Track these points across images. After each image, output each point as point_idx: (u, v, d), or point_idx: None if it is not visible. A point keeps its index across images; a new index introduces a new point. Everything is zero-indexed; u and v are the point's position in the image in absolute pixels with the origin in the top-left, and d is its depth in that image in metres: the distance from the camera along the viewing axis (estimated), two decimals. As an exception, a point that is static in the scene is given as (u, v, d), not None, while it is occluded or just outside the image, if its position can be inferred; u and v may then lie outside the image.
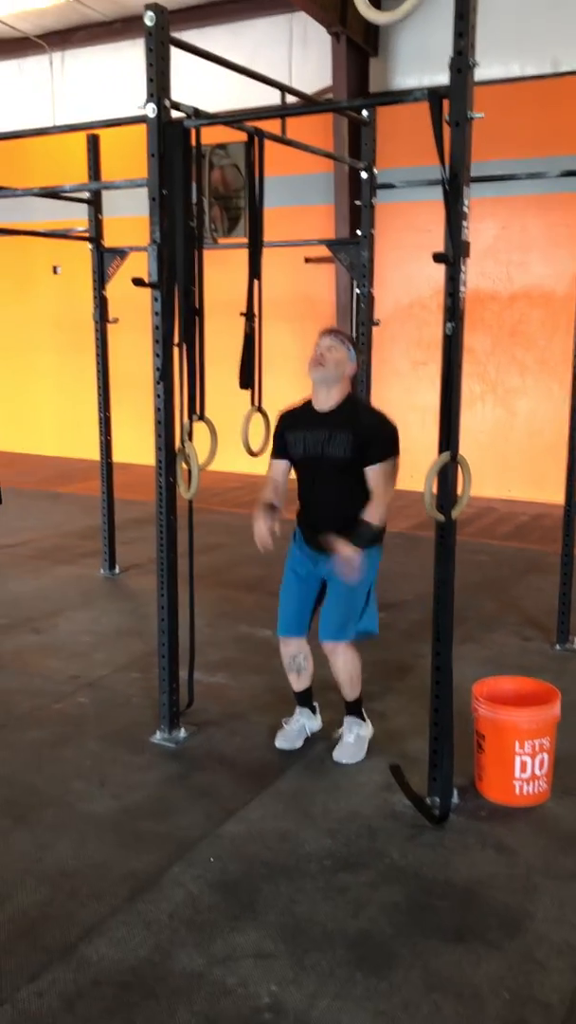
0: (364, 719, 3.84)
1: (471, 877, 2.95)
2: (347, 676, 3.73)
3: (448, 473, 3.20)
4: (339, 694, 3.78)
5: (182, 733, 3.91)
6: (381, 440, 3.54)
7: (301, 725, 3.89)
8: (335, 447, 3.52)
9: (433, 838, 3.16)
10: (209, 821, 3.26)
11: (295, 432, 3.66)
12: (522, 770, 3.35)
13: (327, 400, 3.59)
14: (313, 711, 3.95)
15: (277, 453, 3.76)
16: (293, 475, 3.75)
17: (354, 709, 3.81)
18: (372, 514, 3.50)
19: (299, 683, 3.87)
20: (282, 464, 3.74)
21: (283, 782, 3.53)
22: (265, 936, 2.66)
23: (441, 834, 3.19)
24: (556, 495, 8.51)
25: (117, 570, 6.38)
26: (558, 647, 4.97)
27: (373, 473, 3.50)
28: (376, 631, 3.81)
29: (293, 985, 2.46)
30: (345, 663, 3.70)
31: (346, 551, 3.41)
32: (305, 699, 3.91)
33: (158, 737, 3.89)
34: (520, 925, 2.72)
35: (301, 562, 3.74)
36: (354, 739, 3.76)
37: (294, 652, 3.79)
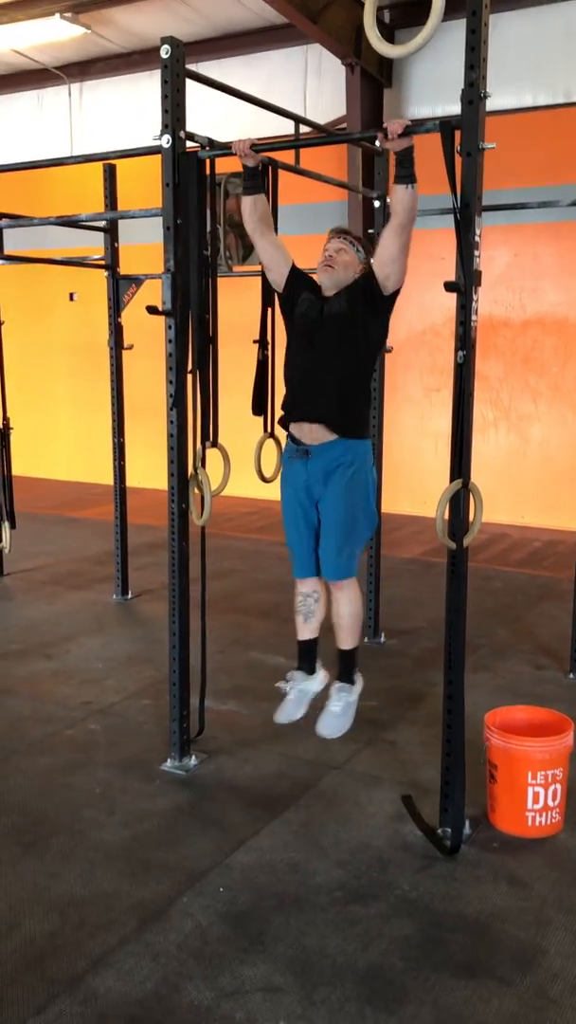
0: (355, 680, 3.65)
1: (483, 910, 2.91)
2: (352, 618, 3.59)
3: (460, 500, 3.19)
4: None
5: (192, 761, 3.89)
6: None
7: (298, 692, 3.70)
8: (334, 306, 3.47)
9: (444, 870, 3.13)
10: (219, 851, 3.23)
11: (305, 293, 3.58)
12: (535, 801, 3.31)
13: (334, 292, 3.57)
14: (312, 670, 3.76)
15: (291, 265, 3.67)
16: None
17: (349, 665, 3.63)
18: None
19: (305, 630, 3.74)
20: (281, 251, 3.66)
21: (293, 812, 3.50)
22: (274, 969, 2.63)
23: (452, 866, 3.15)
24: (570, 521, 8.52)
25: (130, 595, 6.38)
26: (572, 676, 4.92)
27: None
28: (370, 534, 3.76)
29: (302, 1020, 2.43)
30: (351, 601, 3.58)
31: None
32: (308, 653, 3.76)
33: (168, 765, 3.87)
34: (533, 960, 2.68)
35: (297, 487, 3.57)
36: (342, 707, 3.58)
37: (308, 591, 3.70)
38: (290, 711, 3.68)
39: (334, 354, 3.47)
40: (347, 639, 3.63)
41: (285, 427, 3.66)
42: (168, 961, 2.66)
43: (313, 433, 3.52)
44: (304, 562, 3.66)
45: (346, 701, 3.60)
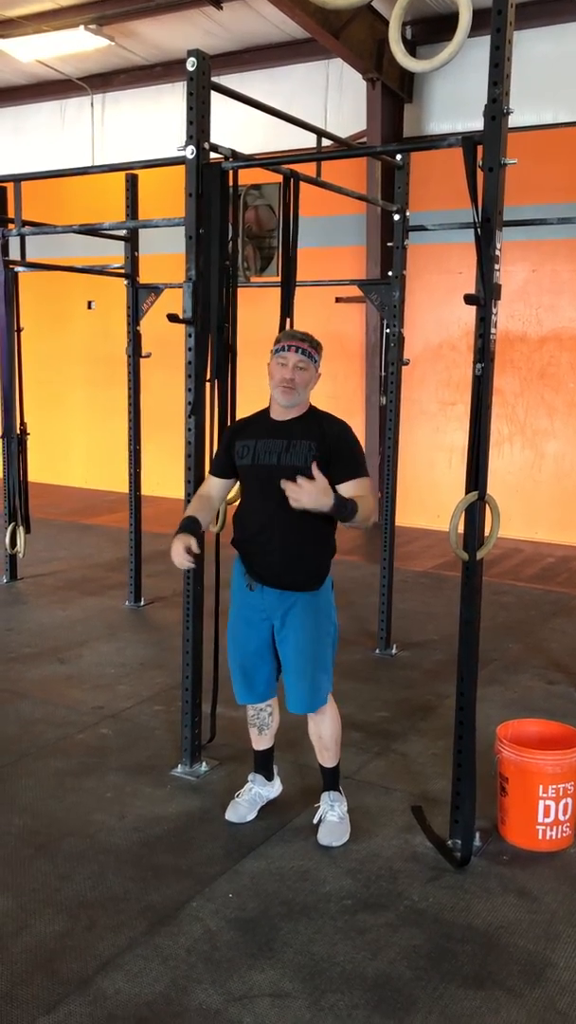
0: (341, 791, 3.46)
1: (492, 922, 2.91)
2: (332, 738, 3.38)
3: (475, 513, 3.20)
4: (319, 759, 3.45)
5: (203, 767, 3.91)
6: (349, 453, 3.14)
7: (254, 794, 3.55)
8: (296, 456, 3.11)
9: (454, 881, 3.13)
10: (228, 857, 3.25)
11: (245, 440, 3.24)
12: (545, 815, 3.31)
13: (287, 412, 3.21)
14: (270, 776, 3.61)
15: (218, 468, 3.37)
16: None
17: (334, 780, 3.44)
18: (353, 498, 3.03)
19: (260, 742, 3.56)
20: (220, 483, 3.37)
21: (303, 820, 3.51)
22: (283, 975, 2.63)
23: (462, 878, 3.15)
24: (584, 538, 8.50)
25: (142, 602, 6.41)
26: (584, 691, 4.92)
27: (345, 490, 3.05)
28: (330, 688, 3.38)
29: (310, 1026, 2.44)
30: (331, 723, 3.36)
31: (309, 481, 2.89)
32: (265, 762, 3.59)
33: (179, 770, 3.89)
34: (541, 973, 2.68)
35: (249, 607, 3.32)
36: (339, 817, 3.38)
37: (262, 706, 3.50)
38: (242, 812, 3.49)
39: (292, 512, 2.99)
40: (331, 758, 3.42)
41: (240, 557, 3.34)
42: (177, 964, 2.67)
43: (271, 582, 3.25)
44: (251, 689, 3.43)
45: (341, 810, 3.41)
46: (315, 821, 3.41)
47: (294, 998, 2.54)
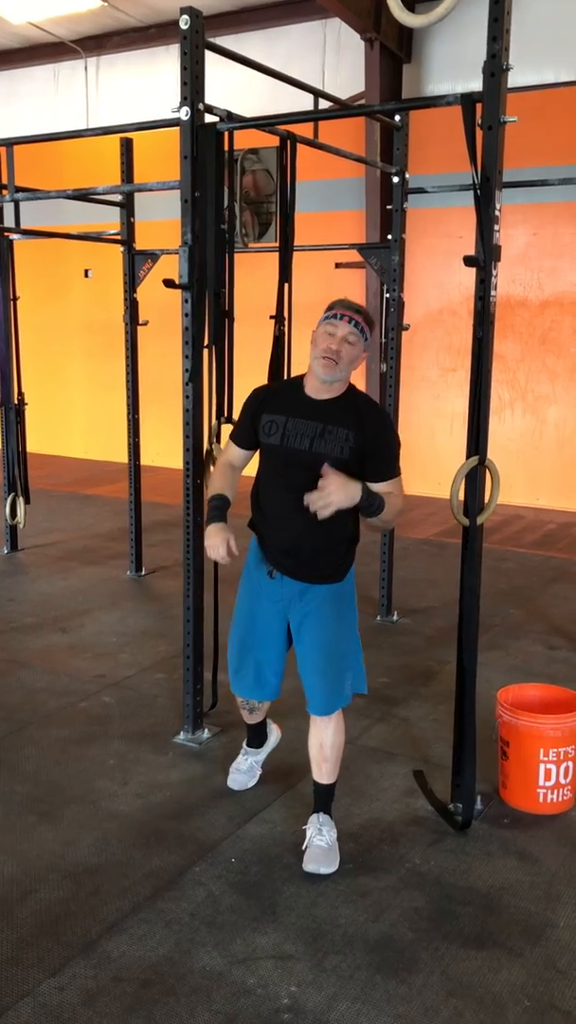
0: (332, 816, 3.11)
1: (493, 884, 2.93)
2: (337, 750, 3.05)
3: (476, 478, 3.18)
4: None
5: (205, 734, 3.93)
6: (389, 451, 2.90)
7: (251, 763, 3.52)
8: (330, 443, 2.82)
9: (455, 844, 3.15)
10: (231, 822, 3.27)
11: (273, 415, 2.94)
12: (546, 778, 3.32)
13: (327, 390, 2.89)
14: (263, 742, 3.53)
15: (241, 437, 3.05)
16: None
17: (327, 801, 3.10)
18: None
19: (253, 718, 3.41)
20: (243, 455, 3.09)
21: (305, 785, 3.51)
22: (285, 938, 2.66)
23: (463, 841, 3.17)
24: (585, 503, 8.49)
25: (143, 572, 6.41)
26: (585, 656, 4.93)
27: (378, 489, 2.82)
28: (365, 690, 3.11)
29: (312, 987, 2.46)
30: (339, 731, 3.04)
31: (335, 477, 2.69)
32: (257, 732, 3.49)
33: (182, 737, 3.90)
34: (542, 933, 2.70)
35: (266, 596, 3.05)
36: (327, 843, 3.01)
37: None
38: (242, 780, 3.49)
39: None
40: (330, 773, 3.07)
41: (253, 528, 3.11)
42: (181, 928, 2.69)
43: (293, 573, 3.00)
44: (254, 682, 3.15)
45: (330, 836, 3.04)
46: (303, 848, 3.05)
47: (297, 960, 2.57)
